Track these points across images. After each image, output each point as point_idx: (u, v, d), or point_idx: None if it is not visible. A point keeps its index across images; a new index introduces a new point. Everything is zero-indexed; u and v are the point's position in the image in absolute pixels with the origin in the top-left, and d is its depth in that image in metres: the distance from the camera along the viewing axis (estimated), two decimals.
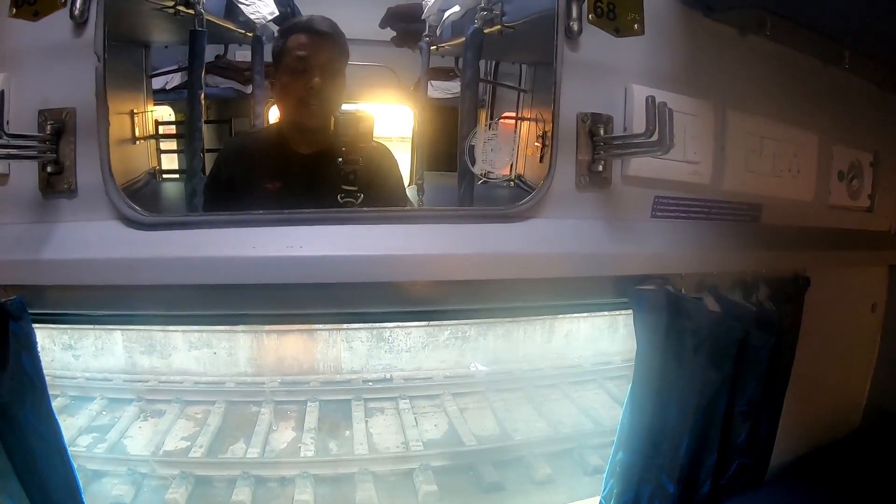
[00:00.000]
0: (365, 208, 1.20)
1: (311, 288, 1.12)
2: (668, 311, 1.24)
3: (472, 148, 1.19)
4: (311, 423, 2.72)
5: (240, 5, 1.73)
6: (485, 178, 1.19)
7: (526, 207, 1.16)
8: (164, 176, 1.70)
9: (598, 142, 1.19)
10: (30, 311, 1.07)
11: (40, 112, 1.09)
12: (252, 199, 1.36)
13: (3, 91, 0.99)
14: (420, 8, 2.10)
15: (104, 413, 2.73)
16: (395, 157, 1.53)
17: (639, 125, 1.17)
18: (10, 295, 1.06)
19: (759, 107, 1.45)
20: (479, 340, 3.15)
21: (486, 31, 1.56)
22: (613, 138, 1.19)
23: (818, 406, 1.82)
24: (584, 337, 2.95)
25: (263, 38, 1.88)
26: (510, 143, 1.18)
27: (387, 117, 1.82)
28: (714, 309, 1.30)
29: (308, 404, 2.83)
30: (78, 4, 1.07)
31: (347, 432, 2.70)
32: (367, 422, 2.77)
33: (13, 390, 1.07)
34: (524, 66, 2.01)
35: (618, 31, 1.20)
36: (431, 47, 2.01)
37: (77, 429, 2.55)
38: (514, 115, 1.99)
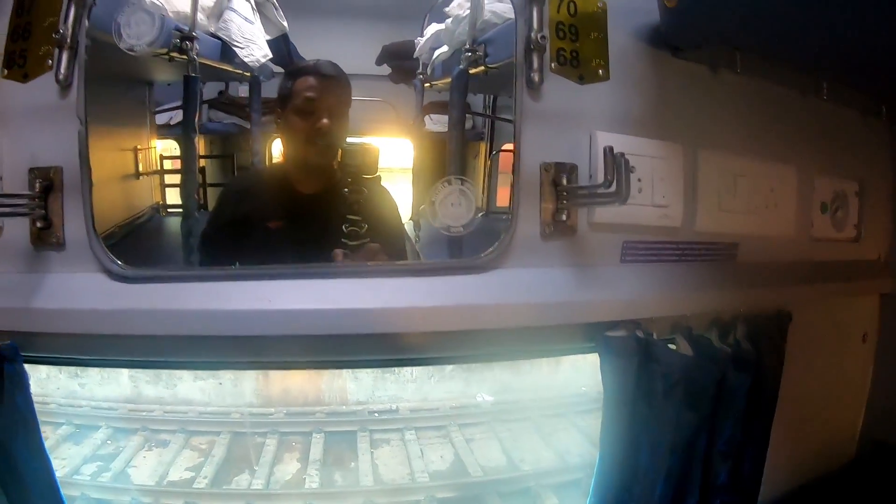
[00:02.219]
0: (336, 263, 1.25)
1: (284, 339, 1.17)
2: (638, 356, 1.28)
3: (433, 203, 1.23)
4: (316, 454, 2.73)
5: (234, 48, 1.80)
6: (446, 232, 1.24)
7: (490, 258, 1.21)
8: (169, 210, 1.78)
9: (562, 191, 1.23)
10: (23, 354, 1.14)
11: (30, 170, 1.18)
12: (254, 237, 1.42)
13: None
14: (413, 46, 2.18)
15: (109, 442, 2.75)
16: (395, 198, 1.60)
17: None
18: (4, 339, 1.13)
19: (732, 144, 1.49)
20: (484, 371, 3.12)
21: (471, 71, 1.63)
22: (577, 188, 1.23)
23: (811, 439, 1.84)
24: (590, 365, 2.95)
25: (261, 77, 1.96)
26: (470, 198, 1.22)
27: (389, 150, 1.88)
28: (686, 352, 1.34)
29: (313, 435, 2.84)
30: (62, 69, 1.16)
31: (353, 463, 2.71)
32: (372, 453, 2.77)
33: (7, 427, 1.13)
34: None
35: (582, 79, 1.25)
36: (425, 84, 2.08)
37: (82, 457, 2.56)
38: (510, 148, 2.05)
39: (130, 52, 1.22)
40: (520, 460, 2.71)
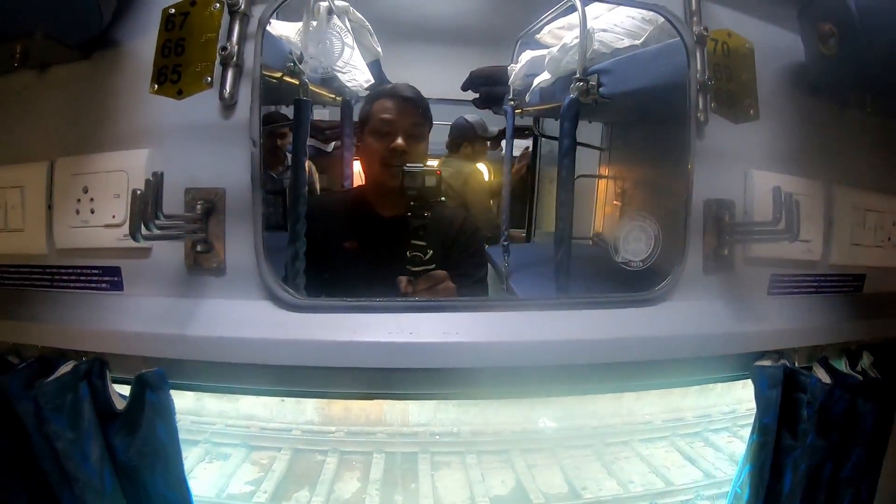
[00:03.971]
0: (517, 297, 1.34)
1: (464, 371, 1.24)
2: (786, 384, 1.37)
3: (616, 238, 1.33)
4: (376, 474, 2.78)
5: (337, 73, 1.89)
6: (626, 266, 1.34)
7: (662, 291, 1.30)
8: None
9: (724, 227, 1.33)
10: (171, 382, 1.18)
11: (187, 190, 1.22)
12: (333, 260, 1.50)
13: (161, 173, 1.11)
14: (503, 71, 2.27)
15: None
16: (475, 223, 1.67)
17: (759, 209, 1.33)
18: (150, 366, 1.17)
19: (861, 179, 1.58)
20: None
21: (582, 100, 1.72)
22: (738, 224, 1.33)
23: None
24: (654, 392, 3.01)
25: (353, 101, 2.05)
26: (649, 234, 1.32)
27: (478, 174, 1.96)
28: (826, 380, 1.42)
29: (374, 455, 2.89)
30: (228, 88, 1.21)
31: (413, 485, 2.75)
32: (433, 475, 2.81)
33: (144, 455, 1.18)
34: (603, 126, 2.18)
35: (736, 118, 1.35)
36: (516, 111, 2.18)
37: None
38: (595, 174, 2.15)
39: (314, 74, 1.28)
40: (582, 488, 2.76)
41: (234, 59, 1.21)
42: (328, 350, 1.20)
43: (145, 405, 1.17)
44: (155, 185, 1.08)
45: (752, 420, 1.41)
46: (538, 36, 2.10)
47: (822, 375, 1.44)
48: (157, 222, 1.08)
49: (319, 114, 2.27)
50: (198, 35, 1.25)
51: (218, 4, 1.25)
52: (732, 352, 1.37)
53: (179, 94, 1.24)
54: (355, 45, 2.03)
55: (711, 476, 2.76)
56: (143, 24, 1.27)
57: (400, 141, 1.46)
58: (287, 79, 1.58)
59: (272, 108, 1.90)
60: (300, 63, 1.28)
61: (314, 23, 1.29)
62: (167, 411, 1.19)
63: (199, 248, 1.23)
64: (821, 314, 1.52)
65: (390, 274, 1.35)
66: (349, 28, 2.03)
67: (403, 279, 1.34)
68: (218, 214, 1.23)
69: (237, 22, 1.22)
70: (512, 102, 2.24)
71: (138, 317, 1.23)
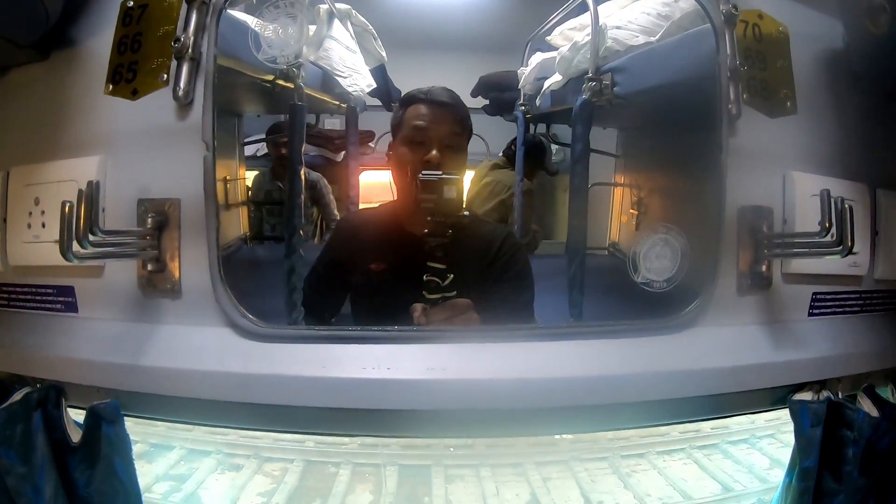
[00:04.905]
0: (516, 326, 1.08)
1: (451, 411, 0.99)
2: (829, 419, 1.11)
3: (635, 254, 1.05)
4: (390, 486, 2.63)
5: (337, 77, 1.67)
6: (648, 287, 1.05)
7: (688, 317, 1.05)
8: (255, 242, 1.65)
9: (761, 240, 1.07)
10: (125, 413, 0.98)
11: (139, 201, 1.01)
12: (361, 280, 1.29)
13: (98, 182, 0.92)
14: (514, 77, 2.04)
15: (182, 462, 2.69)
16: (518, 240, 1.42)
17: (801, 216, 1.09)
18: (105, 396, 0.98)
19: None
20: None
21: (595, 101, 1.48)
22: (777, 235, 1.08)
23: None
24: None
25: (357, 109, 1.83)
26: (675, 249, 1.03)
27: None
28: (872, 413, 1.16)
29: (387, 468, 2.74)
30: (182, 84, 1.00)
31: (427, 498, 2.60)
32: (446, 488, 2.65)
33: (103, 493, 1.00)
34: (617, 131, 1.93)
35: (772, 112, 1.10)
36: (527, 116, 1.94)
37: (154, 476, 2.51)
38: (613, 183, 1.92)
39: (273, 65, 1.05)
40: (598, 502, 2.58)
41: (189, 51, 0.99)
42: (292, 386, 0.97)
43: (101, 438, 0.99)
44: (89, 196, 0.87)
45: (770, 431, 1.15)
46: (549, 38, 1.92)
47: (869, 408, 1.17)
48: (95, 239, 0.88)
49: (330, 123, 2.10)
50: (155, 28, 1.04)
51: None
52: (769, 385, 1.10)
53: (134, 94, 1.03)
54: (357, 49, 1.82)
55: (730, 489, 2.59)
56: (102, 21, 1.08)
57: (435, 152, 1.20)
58: (281, 82, 1.39)
59: (281, 117, 1.75)
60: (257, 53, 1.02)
61: (274, 8, 1.03)
62: (123, 445, 1.00)
63: (150, 266, 1.01)
64: (866, 337, 1.24)
65: (422, 298, 1.11)
66: (351, 32, 1.82)
67: (419, 307, 1.08)
68: (172, 229, 1.02)
69: (194, 11, 1.00)
70: (523, 108, 2.01)
71: (92, 343, 1.03)
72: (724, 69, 1.04)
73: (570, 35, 1.77)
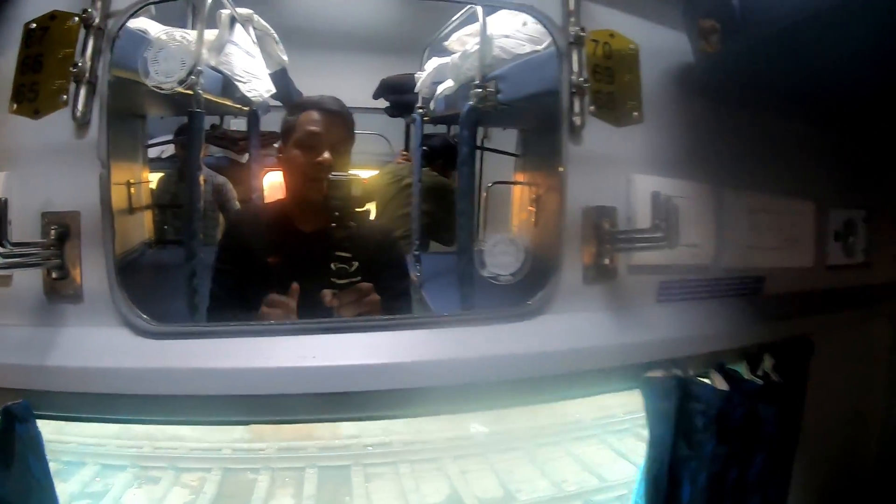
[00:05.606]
0: (376, 317, 1.23)
1: (323, 396, 1.13)
2: (678, 395, 1.29)
3: (480, 252, 1.22)
4: (310, 490, 2.68)
5: (237, 83, 1.77)
6: (494, 281, 1.22)
7: (535, 305, 1.20)
8: (158, 246, 1.73)
9: (604, 236, 1.23)
10: (36, 413, 1.07)
11: (43, 214, 1.11)
12: (254, 277, 1.38)
13: (5, 200, 0.99)
14: (412, 80, 2.16)
15: (98, 479, 2.67)
16: (395, 235, 1.57)
17: (643, 215, 1.24)
18: (16, 397, 1.05)
19: (754, 181, 1.52)
20: None
21: (481, 107, 1.62)
22: (619, 232, 1.24)
23: (831, 462, 1.89)
24: None
25: (259, 112, 1.93)
26: (519, 246, 1.21)
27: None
28: (722, 387, 1.35)
29: (306, 471, 2.79)
30: (80, 107, 1.10)
31: (347, 498, 2.67)
32: (367, 487, 2.72)
33: (19, 492, 1.06)
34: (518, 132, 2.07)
35: (618, 122, 1.26)
36: (425, 119, 2.07)
37: (69, 494, 2.49)
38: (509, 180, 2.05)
39: (159, 90, 1.17)
40: (517, 490, 2.69)
41: (87, 75, 1.10)
42: (180, 378, 1.10)
43: (15, 439, 1.06)
44: None
45: None
46: (446, 43, 2.00)
47: (720, 382, 1.37)
48: (3, 251, 0.97)
49: (236, 123, 2.18)
50: (56, 50, 1.14)
51: (77, 18, 1.13)
52: (619, 364, 1.27)
53: (36, 114, 1.13)
54: (258, 54, 1.91)
55: None
56: (8, 40, 1.16)
57: (327, 155, 1.34)
58: (181, 90, 1.48)
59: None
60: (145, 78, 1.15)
61: (163, 35, 1.16)
62: (36, 444, 1.08)
63: (54, 274, 1.11)
64: (717, 319, 1.44)
65: (312, 291, 1.25)
66: (253, 36, 1.91)
67: (328, 293, 1.23)
68: (73, 239, 1.12)
69: (91, 36, 1.11)
70: (420, 111, 2.14)
71: (1, 348, 1.11)
72: (567, 85, 1.21)
73: (465, 40, 1.88)
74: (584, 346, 1.23)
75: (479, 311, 1.28)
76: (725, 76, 1.34)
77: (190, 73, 1.25)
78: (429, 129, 2.15)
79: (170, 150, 1.94)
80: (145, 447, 2.84)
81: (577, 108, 1.22)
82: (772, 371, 1.46)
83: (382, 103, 2.22)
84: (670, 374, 1.29)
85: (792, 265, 1.65)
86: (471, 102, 1.63)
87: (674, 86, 1.38)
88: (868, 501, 2.01)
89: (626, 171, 1.30)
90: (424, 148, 2.16)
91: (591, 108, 1.25)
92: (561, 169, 1.23)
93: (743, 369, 1.45)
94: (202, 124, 1.62)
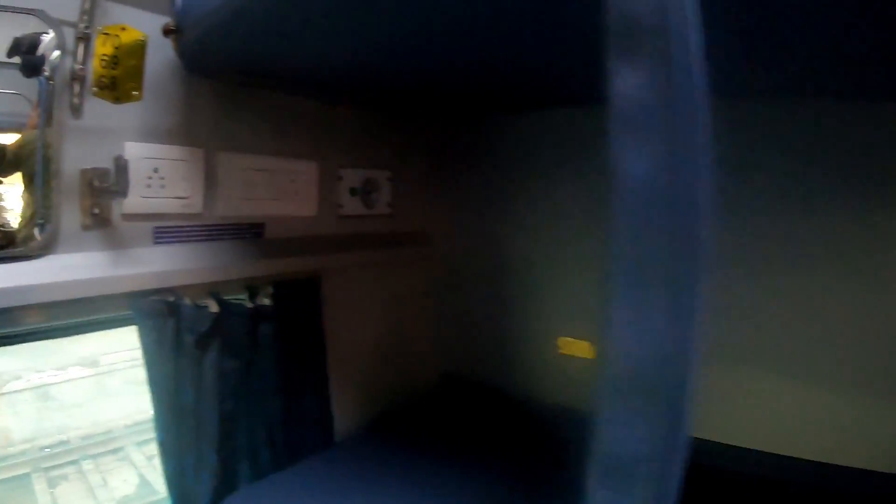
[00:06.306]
0: None
1: None
2: (169, 315, 1.78)
3: None
4: None
5: None
6: None
7: (37, 247, 1.64)
8: None
9: (95, 191, 1.69)
10: None
11: None
12: None
13: None
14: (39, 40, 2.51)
15: None
16: None
17: (133, 174, 1.73)
18: None
19: (255, 146, 2.12)
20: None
21: None
22: (104, 188, 1.71)
23: (396, 374, 2.68)
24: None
25: None
26: None
27: None
28: (214, 310, 1.89)
29: None
30: None
31: None
32: (52, 493, 2.88)
33: None
34: None
35: (118, 100, 1.66)
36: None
37: None
38: None
39: None
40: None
41: None
42: None
43: None
44: None
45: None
46: None
47: (213, 306, 1.92)
48: None
49: None
50: None
51: None
52: (116, 291, 1.72)
53: None
54: None
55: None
56: None
57: None
58: None
59: None
60: None
61: None
62: None
63: None
64: (214, 257, 1.97)
65: None
66: None
67: None
68: None
69: None
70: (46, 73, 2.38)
71: None
72: (66, 72, 1.66)
73: None
74: (85, 277, 1.66)
75: None
76: (198, 59, 1.85)
77: None
78: None
79: None
80: None
81: (77, 90, 1.67)
82: (268, 298, 2.06)
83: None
84: (160, 298, 1.78)
85: (296, 214, 2.23)
86: None
87: (179, 69, 1.90)
88: (429, 401, 2.71)
89: (122, 140, 1.78)
90: None
91: (95, 89, 1.65)
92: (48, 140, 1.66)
93: (245, 298, 2.02)
94: None
